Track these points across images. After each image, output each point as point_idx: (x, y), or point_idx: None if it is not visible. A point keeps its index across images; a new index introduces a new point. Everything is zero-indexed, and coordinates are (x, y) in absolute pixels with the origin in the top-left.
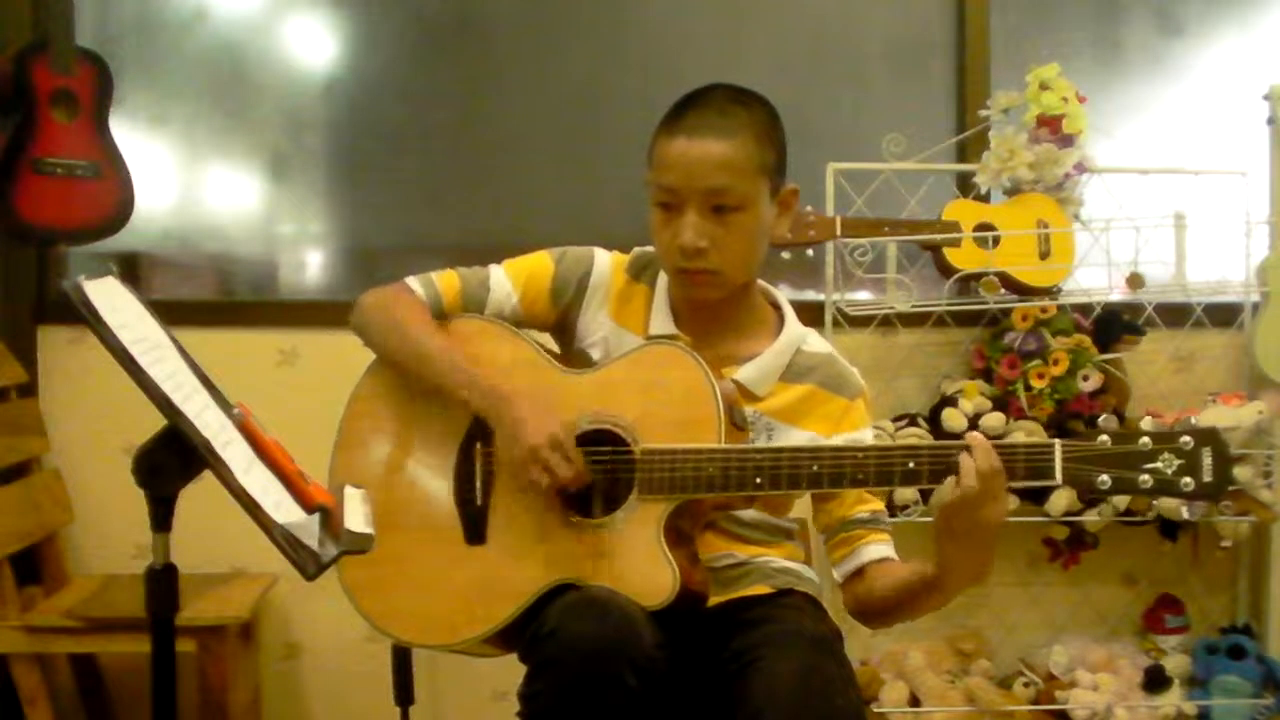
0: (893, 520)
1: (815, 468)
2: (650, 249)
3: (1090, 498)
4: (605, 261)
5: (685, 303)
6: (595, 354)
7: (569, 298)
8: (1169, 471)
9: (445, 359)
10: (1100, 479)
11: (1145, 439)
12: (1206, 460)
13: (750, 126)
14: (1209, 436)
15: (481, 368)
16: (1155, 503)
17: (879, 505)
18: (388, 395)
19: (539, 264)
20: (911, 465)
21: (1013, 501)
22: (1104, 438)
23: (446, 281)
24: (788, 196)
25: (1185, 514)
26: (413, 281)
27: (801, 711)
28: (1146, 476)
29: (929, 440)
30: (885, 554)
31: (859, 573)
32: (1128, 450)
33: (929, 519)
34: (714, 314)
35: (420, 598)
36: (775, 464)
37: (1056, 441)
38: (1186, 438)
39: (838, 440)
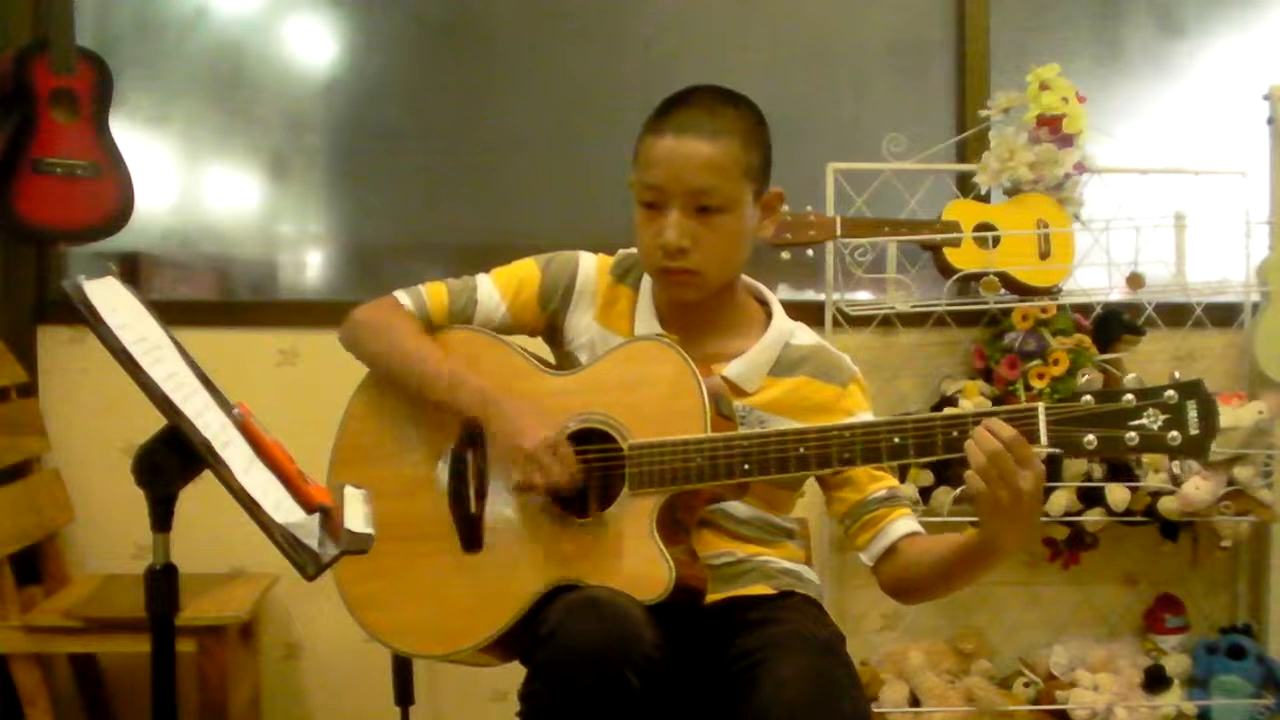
0: None
1: (801, 450)
2: (635, 250)
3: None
4: (590, 265)
5: (669, 303)
6: (582, 356)
7: (556, 303)
8: (1155, 427)
9: (435, 366)
10: (1087, 439)
11: (1129, 396)
12: (1192, 413)
13: (737, 128)
14: (1193, 389)
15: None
16: (1156, 503)
17: (894, 481)
18: (380, 410)
19: (525, 271)
20: (897, 440)
21: None
22: (1088, 397)
23: (434, 293)
24: (771, 200)
25: (1176, 469)
26: (401, 295)
27: (809, 715)
28: (1133, 434)
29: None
30: (913, 528)
31: (891, 550)
32: (1112, 409)
33: (929, 520)
34: (699, 313)
35: (421, 609)
36: (762, 449)
37: (1039, 404)
38: (1171, 391)
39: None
